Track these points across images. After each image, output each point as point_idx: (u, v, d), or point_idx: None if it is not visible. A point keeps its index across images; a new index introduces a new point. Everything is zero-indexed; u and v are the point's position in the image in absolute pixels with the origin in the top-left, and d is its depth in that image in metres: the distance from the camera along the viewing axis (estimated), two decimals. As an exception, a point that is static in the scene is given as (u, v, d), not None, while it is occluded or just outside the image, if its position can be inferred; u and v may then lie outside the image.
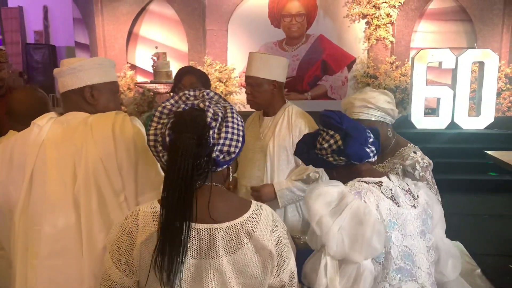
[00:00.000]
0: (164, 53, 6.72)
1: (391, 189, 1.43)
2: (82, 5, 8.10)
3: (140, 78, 7.86)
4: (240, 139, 1.12)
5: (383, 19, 7.44)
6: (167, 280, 1.01)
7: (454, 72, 6.58)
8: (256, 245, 1.10)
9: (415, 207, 1.45)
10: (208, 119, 1.08)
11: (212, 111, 1.09)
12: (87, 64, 1.54)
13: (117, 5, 7.73)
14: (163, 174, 1.41)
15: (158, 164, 1.49)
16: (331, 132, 1.47)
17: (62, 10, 9.24)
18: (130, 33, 7.89)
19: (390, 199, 1.41)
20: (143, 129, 1.52)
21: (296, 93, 7.82)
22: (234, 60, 7.82)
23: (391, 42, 7.55)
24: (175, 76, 2.51)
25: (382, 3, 7.38)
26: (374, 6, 7.43)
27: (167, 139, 1.07)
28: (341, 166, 1.48)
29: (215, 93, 1.19)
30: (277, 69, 2.23)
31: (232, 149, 1.10)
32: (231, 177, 1.20)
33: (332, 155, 1.46)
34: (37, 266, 1.43)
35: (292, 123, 2.23)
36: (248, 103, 2.29)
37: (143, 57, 7.78)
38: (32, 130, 1.51)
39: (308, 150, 1.54)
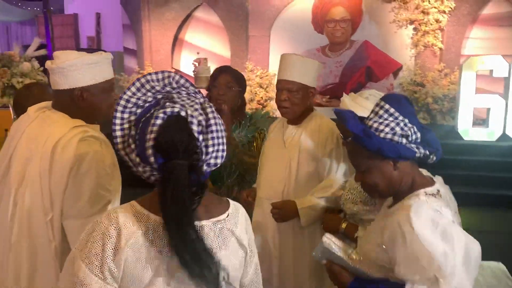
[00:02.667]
0: (205, 59, 6.77)
1: (446, 196, 1.34)
2: (131, 12, 8.39)
3: (184, 83, 7.98)
4: (224, 147, 1.06)
5: (431, 24, 7.16)
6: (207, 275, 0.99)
7: (506, 80, 6.20)
8: (238, 240, 1.13)
9: (456, 213, 1.37)
10: (194, 133, 1.00)
11: (196, 122, 1.01)
12: (78, 64, 1.49)
13: (164, 11, 7.93)
14: (96, 207, 1.44)
15: (95, 195, 1.45)
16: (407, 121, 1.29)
17: (113, 17, 9.59)
18: (175, 38, 8.07)
19: (448, 207, 1.30)
20: (92, 153, 1.46)
21: (338, 100, 7.64)
22: (275, 66, 7.74)
23: (440, 48, 7.24)
24: (211, 75, 2.48)
25: (431, 8, 7.10)
26: (422, 12, 7.17)
27: (152, 159, 0.99)
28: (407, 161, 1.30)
29: (181, 77, 1.09)
30: (315, 74, 2.10)
31: (218, 160, 1.05)
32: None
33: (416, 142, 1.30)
34: None
35: (320, 133, 2.05)
36: (282, 110, 2.08)
37: (187, 62, 7.92)
38: (24, 116, 1.57)
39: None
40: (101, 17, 10.44)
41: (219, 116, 1.07)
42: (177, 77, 1.08)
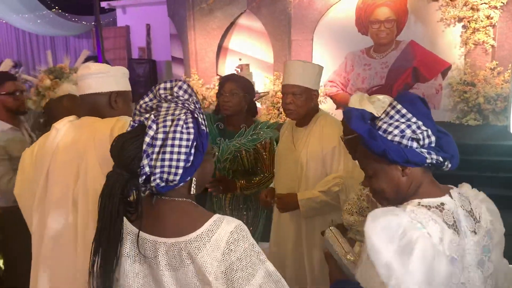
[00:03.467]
0: (247, 65, 6.92)
1: (452, 213, 1.18)
2: (177, 22, 8.68)
3: (228, 89, 8.15)
4: (181, 164, 1.03)
5: (482, 21, 6.84)
6: (102, 279, 1.04)
7: None
8: (197, 268, 1.02)
9: (476, 233, 1.20)
10: (144, 146, 1.02)
11: (152, 134, 1.03)
12: (115, 71, 1.64)
13: (208, 20, 8.14)
14: None
15: None
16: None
17: (162, 27, 9.97)
18: (220, 46, 8.25)
19: (452, 227, 1.16)
20: None
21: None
22: (319, 69, 7.76)
23: (492, 46, 6.91)
24: (219, 83, 2.59)
25: (481, 4, 6.80)
26: (471, 8, 6.87)
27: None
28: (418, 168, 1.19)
29: (188, 87, 1.11)
30: (318, 78, 2.22)
31: (170, 177, 1.03)
32: (193, 190, 1.11)
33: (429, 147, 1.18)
34: (40, 263, 1.57)
35: (323, 133, 2.17)
36: (287, 112, 2.22)
37: (231, 69, 8.07)
38: (51, 133, 1.63)
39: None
40: (151, 28, 10.87)
41: (188, 134, 1.05)
42: (184, 86, 1.11)
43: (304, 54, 7.81)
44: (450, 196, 1.21)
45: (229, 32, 8.21)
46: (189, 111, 1.08)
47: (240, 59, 7.76)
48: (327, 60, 7.66)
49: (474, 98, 6.86)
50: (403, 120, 1.16)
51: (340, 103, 7.86)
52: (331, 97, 7.85)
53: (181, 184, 1.07)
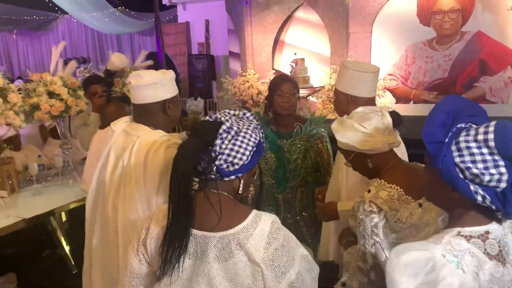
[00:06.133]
0: (302, 59, 6.86)
1: (499, 242, 1.07)
2: (235, 17, 8.80)
3: (284, 83, 8.15)
4: (247, 152, 1.17)
5: (558, 8, 6.34)
6: (160, 274, 1.14)
7: None
8: (248, 256, 1.12)
9: None
10: (221, 130, 1.16)
11: (228, 125, 1.18)
12: (165, 79, 1.73)
13: (265, 15, 8.18)
14: None
15: None
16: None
17: (220, 23, 10.15)
18: (276, 40, 8.26)
19: (495, 258, 1.06)
20: None
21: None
22: (378, 62, 7.55)
23: None
24: (271, 84, 2.62)
25: (558, -11, 6.29)
26: (547, -6, 6.38)
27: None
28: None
29: (251, 114, 1.27)
30: (349, 82, 2.19)
31: (235, 160, 1.16)
32: (240, 189, 1.23)
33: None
34: (93, 249, 1.73)
35: None
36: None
37: (287, 62, 8.06)
38: (108, 130, 1.79)
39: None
40: (209, 24, 11.10)
41: (260, 139, 1.23)
42: (249, 115, 1.27)
43: (362, 47, 7.63)
44: (499, 221, 1.10)
45: (285, 26, 8.19)
46: (258, 124, 1.26)
47: (295, 53, 7.72)
48: (387, 53, 7.45)
49: (548, 91, 6.39)
50: (485, 156, 1.02)
51: (400, 97, 7.62)
52: (390, 91, 7.62)
53: (232, 177, 1.19)
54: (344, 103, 2.17)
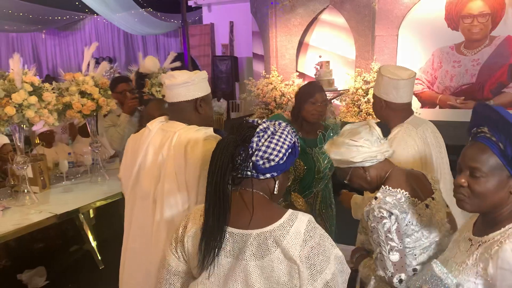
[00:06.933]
0: (327, 62, 6.84)
1: None
2: (259, 19, 8.82)
3: (307, 86, 8.12)
4: (283, 150, 1.20)
5: None
6: (198, 271, 1.17)
7: None
8: (284, 253, 1.13)
9: None
10: (258, 129, 1.22)
11: (265, 125, 1.23)
12: (197, 79, 1.78)
13: (289, 17, 8.18)
14: None
15: None
16: None
17: (244, 25, 10.18)
18: (300, 42, 8.25)
19: None
20: None
21: (474, 102, 7.04)
22: (404, 66, 7.44)
23: None
24: (301, 90, 2.62)
25: None
26: None
27: None
28: None
29: (286, 124, 1.30)
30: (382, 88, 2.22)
31: (272, 156, 1.19)
32: (276, 190, 1.25)
33: None
34: (128, 248, 1.79)
35: None
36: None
37: (311, 64, 8.04)
38: (144, 131, 1.83)
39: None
40: (234, 25, 11.15)
41: (296, 141, 1.27)
42: (283, 123, 1.31)
43: (388, 50, 7.56)
44: None
45: (310, 28, 8.18)
46: (293, 129, 1.31)
47: (320, 56, 7.69)
48: (413, 57, 7.36)
49: None
50: None
51: (426, 102, 7.51)
52: (416, 95, 7.53)
53: (267, 175, 1.22)
54: (380, 107, 2.20)
